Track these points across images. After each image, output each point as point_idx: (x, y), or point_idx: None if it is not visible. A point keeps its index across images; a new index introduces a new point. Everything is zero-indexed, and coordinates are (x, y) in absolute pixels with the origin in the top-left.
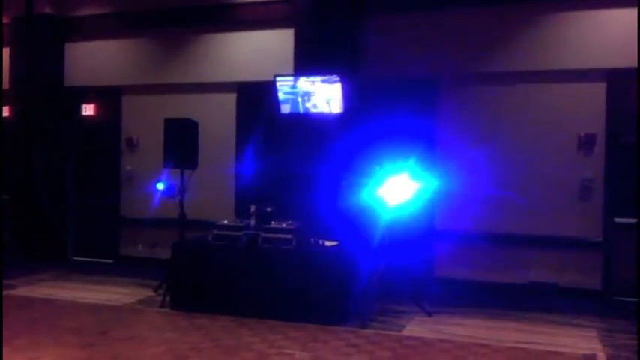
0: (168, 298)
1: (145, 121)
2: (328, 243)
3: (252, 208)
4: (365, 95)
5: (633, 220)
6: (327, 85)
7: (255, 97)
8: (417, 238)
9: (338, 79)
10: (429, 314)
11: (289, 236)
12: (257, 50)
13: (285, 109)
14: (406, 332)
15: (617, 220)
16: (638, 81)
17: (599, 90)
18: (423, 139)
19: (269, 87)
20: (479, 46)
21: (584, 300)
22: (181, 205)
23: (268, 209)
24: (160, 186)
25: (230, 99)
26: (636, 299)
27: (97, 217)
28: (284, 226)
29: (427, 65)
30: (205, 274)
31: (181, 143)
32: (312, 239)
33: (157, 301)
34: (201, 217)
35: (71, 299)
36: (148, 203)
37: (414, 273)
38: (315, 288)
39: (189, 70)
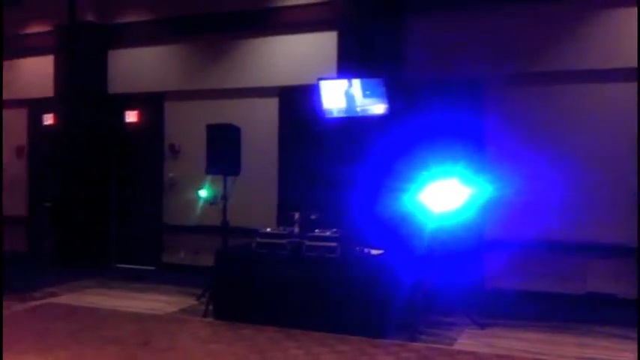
0: (211, 308)
1: (187, 127)
2: (374, 252)
3: (296, 216)
4: (410, 97)
5: None
6: (371, 88)
7: (298, 102)
8: (466, 248)
9: (382, 80)
10: (482, 327)
11: (334, 244)
12: (299, 54)
13: (329, 113)
14: (458, 346)
15: None
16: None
17: None
18: (471, 143)
19: (312, 91)
20: (526, 45)
21: None
22: (224, 212)
23: (312, 216)
24: (203, 192)
25: (272, 104)
26: None
27: (140, 223)
28: (328, 234)
29: (472, 65)
30: (249, 283)
31: (224, 149)
32: (357, 247)
33: (200, 310)
34: (244, 224)
35: (114, 308)
36: (190, 210)
37: (464, 284)
38: (361, 298)
39: (231, 76)
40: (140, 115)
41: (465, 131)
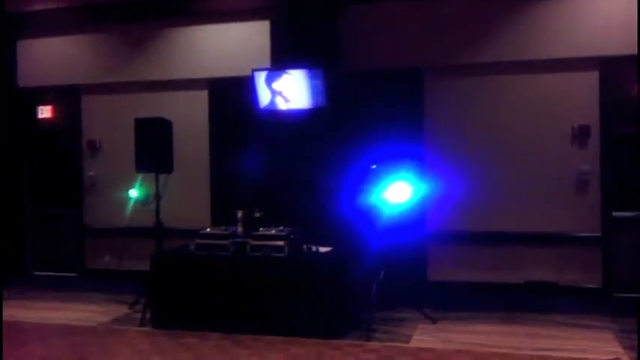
0: (148, 316)
1: (107, 123)
2: (322, 249)
3: (240, 214)
4: (347, 89)
5: (632, 214)
6: (308, 79)
7: (229, 94)
8: (407, 241)
9: (321, 72)
10: (433, 321)
11: (281, 243)
12: (229, 44)
13: (265, 105)
14: (415, 343)
15: (616, 213)
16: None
17: (591, 79)
18: (409, 135)
19: (244, 83)
20: (465, 36)
21: (585, 298)
22: (157, 212)
23: (257, 214)
24: (134, 192)
25: (201, 97)
26: (638, 295)
27: (58, 227)
28: (274, 232)
29: (410, 56)
30: (189, 288)
31: (155, 145)
32: (304, 245)
33: (136, 319)
34: (175, 224)
35: (38, 321)
36: (114, 211)
37: (406, 276)
38: (313, 298)
39: (155, 67)
40: (55, 111)
41: (402, 123)
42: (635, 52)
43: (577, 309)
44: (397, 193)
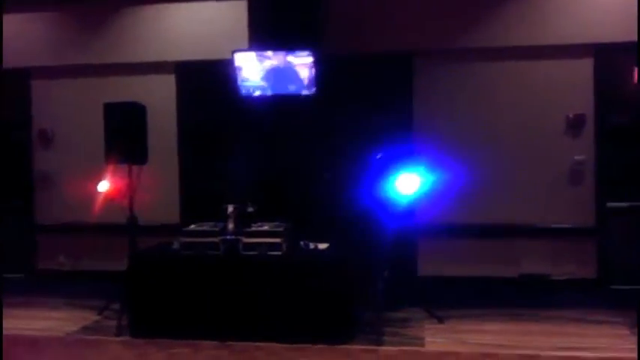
0: (124, 323)
1: (61, 110)
2: (321, 246)
3: (230, 209)
4: (335, 73)
5: (626, 204)
6: (294, 62)
7: (201, 79)
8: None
9: (311, 53)
10: (440, 320)
11: (278, 240)
12: (201, 23)
13: (246, 90)
14: (430, 346)
15: (610, 204)
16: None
17: (586, 67)
18: (398, 123)
19: (218, 66)
20: (457, 19)
21: (582, 291)
22: (131, 207)
23: (249, 209)
24: (103, 186)
25: (168, 81)
26: (636, 287)
27: (5, 224)
28: (266, 228)
29: (399, 39)
30: (175, 292)
31: (127, 132)
32: (301, 242)
33: (109, 328)
34: (144, 220)
35: None
36: (70, 206)
37: (397, 272)
38: (316, 300)
39: (116, 49)
40: (0, 96)
41: (392, 110)
42: (631, 39)
43: (580, 303)
44: (406, 184)
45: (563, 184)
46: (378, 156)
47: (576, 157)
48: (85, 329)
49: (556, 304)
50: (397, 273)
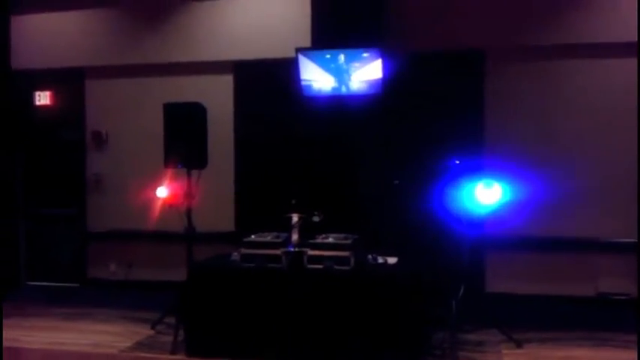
0: (180, 339)
1: (115, 111)
2: (390, 260)
3: (295, 218)
4: (402, 72)
5: None
6: (361, 61)
7: (260, 79)
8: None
9: (378, 51)
10: (518, 344)
11: (346, 254)
12: (260, 20)
13: (310, 90)
14: None
15: None
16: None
17: None
18: (469, 126)
19: (277, 66)
20: (531, 15)
21: None
22: (189, 215)
23: (315, 218)
24: (162, 191)
25: (225, 81)
26: None
27: (57, 230)
28: (335, 240)
29: (471, 36)
30: (234, 308)
31: (187, 135)
32: (369, 256)
33: (164, 344)
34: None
35: (43, 345)
36: (120, 212)
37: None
38: (387, 319)
39: (172, 47)
40: (54, 97)
41: (462, 114)
42: None
43: None
44: (487, 194)
45: None
46: (457, 161)
47: None
48: (139, 345)
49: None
50: (466, 289)
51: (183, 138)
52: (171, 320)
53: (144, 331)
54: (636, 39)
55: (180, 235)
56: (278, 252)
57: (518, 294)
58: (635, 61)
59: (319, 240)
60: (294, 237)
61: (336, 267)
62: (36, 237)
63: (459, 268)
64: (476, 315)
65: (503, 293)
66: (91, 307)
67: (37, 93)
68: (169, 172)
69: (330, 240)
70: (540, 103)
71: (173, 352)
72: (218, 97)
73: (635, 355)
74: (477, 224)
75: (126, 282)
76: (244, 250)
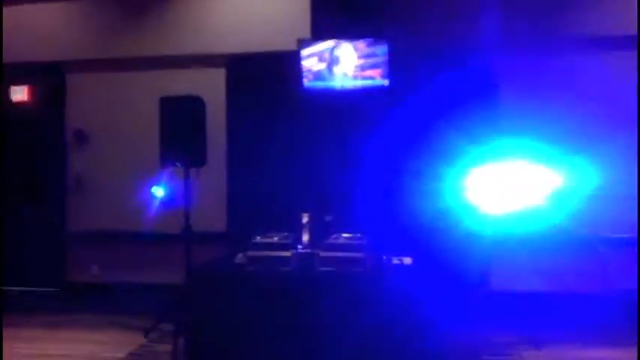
0: (180, 349)
1: (98, 107)
2: (406, 260)
3: (305, 218)
4: (408, 64)
5: None
6: (366, 52)
7: (255, 72)
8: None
9: (385, 43)
10: (537, 347)
11: (360, 255)
12: (255, 12)
13: (310, 84)
14: None
15: None
16: None
17: None
18: (483, 118)
19: (273, 59)
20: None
21: None
22: (187, 215)
23: (327, 218)
24: (159, 191)
25: (217, 75)
26: None
27: (35, 232)
28: (342, 240)
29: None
30: (240, 314)
31: (184, 131)
32: (384, 257)
33: (161, 354)
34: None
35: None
36: (103, 213)
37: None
38: (409, 324)
39: (160, 40)
40: (32, 92)
41: (475, 106)
42: None
43: None
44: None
45: None
46: (471, 155)
47: None
48: (132, 356)
49: None
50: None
51: (181, 134)
52: (165, 327)
53: (136, 340)
54: None
55: (170, 236)
56: (287, 254)
57: (525, 291)
58: None
59: (332, 241)
60: (306, 237)
61: (351, 270)
62: (12, 240)
63: (472, 266)
64: (486, 314)
65: (509, 291)
66: (75, 314)
67: (13, 88)
68: (165, 170)
69: (343, 240)
70: (556, 95)
71: None
72: (210, 91)
73: None
74: (488, 222)
75: (108, 285)
76: (250, 253)
